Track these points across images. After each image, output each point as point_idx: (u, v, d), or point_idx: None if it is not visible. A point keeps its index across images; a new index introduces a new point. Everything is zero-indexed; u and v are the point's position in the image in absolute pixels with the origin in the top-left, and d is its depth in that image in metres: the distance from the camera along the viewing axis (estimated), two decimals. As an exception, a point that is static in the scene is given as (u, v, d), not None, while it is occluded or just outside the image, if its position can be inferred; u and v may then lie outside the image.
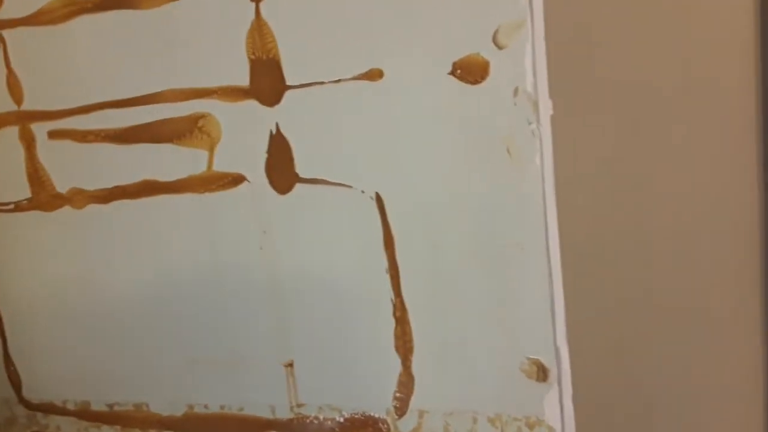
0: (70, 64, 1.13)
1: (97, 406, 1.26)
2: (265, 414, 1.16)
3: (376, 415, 1.10)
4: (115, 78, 1.11)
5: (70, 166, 1.17)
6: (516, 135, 0.93)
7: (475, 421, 1.04)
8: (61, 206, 1.19)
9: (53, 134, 1.17)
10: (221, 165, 1.09)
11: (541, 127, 0.91)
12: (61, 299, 1.23)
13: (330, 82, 1.00)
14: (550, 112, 0.90)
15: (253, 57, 1.03)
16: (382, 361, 1.07)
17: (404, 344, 1.05)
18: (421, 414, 1.07)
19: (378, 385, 1.08)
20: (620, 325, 0.93)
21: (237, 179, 1.08)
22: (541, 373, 0.98)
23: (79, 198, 1.17)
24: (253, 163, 1.07)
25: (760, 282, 0.93)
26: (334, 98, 1.00)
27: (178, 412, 1.21)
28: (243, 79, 1.04)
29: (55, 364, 1.27)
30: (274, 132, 1.05)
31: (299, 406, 1.13)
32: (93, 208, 1.17)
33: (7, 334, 1.29)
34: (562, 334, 0.97)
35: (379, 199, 1.02)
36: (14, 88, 1.17)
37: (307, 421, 1.13)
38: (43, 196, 1.20)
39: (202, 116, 1.08)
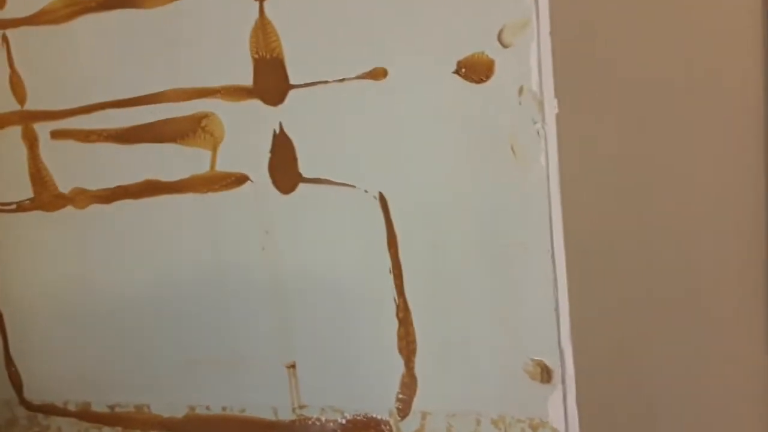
0: (72, 63, 1.13)
1: (98, 408, 1.25)
2: (267, 415, 1.15)
3: (379, 417, 1.09)
4: (117, 78, 1.11)
5: (72, 166, 1.17)
6: (521, 134, 0.93)
7: (478, 422, 1.04)
8: (63, 206, 1.19)
9: (56, 134, 1.17)
10: (224, 165, 1.09)
11: (546, 126, 0.91)
12: (63, 300, 1.23)
13: (334, 81, 1.00)
14: (555, 111, 0.90)
15: (256, 56, 1.03)
16: (384, 362, 1.06)
17: (407, 345, 1.05)
18: (424, 415, 1.07)
19: (381, 387, 1.08)
20: (625, 326, 0.93)
21: (240, 179, 1.08)
22: (545, 374, 0.98)
23: (81, 198, 1.17)
24: (257, 163, 1.07)
25: (765, 283, 0.93)
26: (338, 97, 1.00)
27: (180, 413, 1.21)
28: (246, 79, 1.04)
29: (56, 365, 1.27)
30: (277, 131, 1.04)
31: (301, 407, 1.13)
32: (95, 208, 1.17)
33: (9, 334, 1.29)
34: (566, 335, 0.96)
35: (382, 199, 1.02)
36: (17, 88, 1.17)
37: (310, 422, 1.13)
38: (46, 196, 1.19)
39: (205, 116, 1.08)
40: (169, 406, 1.21)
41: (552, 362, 0.98)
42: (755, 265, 0.93)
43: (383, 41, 0.96)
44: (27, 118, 1.18)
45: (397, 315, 1.04)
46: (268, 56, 1.02)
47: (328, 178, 1.04)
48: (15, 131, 1.19)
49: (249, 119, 1.05)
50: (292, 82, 1.02)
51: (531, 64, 0.90)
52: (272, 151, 1.05)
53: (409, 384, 1.06)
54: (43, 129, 1.17)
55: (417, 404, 1.07)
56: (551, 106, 0.90)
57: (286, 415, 1.14)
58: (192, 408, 1.20)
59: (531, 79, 0.91)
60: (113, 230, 1.17)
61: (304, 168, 1.05)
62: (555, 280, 0.95)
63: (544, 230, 0.94)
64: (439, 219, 1.00)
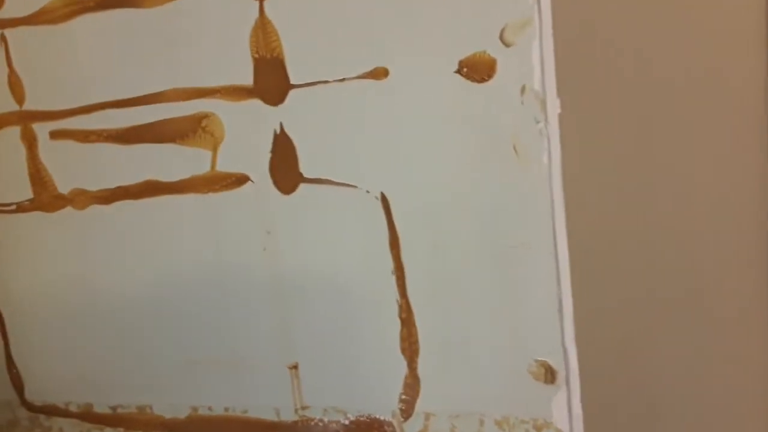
0: (71, 63, 1.13)
1: (100, 409, 1.25)
2: (270, 416, 1.15)
3: (382, 418, 1.09)
4: (117, 77, 1.11)
5: (72, 166, 1.17)
6: (523, 134, 0.92)
7: (481, 423, 1.03)
8: (63, 207, 1.18)
9: (55, 134, 1.16)
10: (225, 165, 1.08)
11: (549, 125, 0.90)
12: (64, 300, 1.23)
13: (335, 81, 0.99)
14: (558, 110, 0.89)
15: (256, 56, 1.02)
16: (387, 363, 1.06)
17: (410, 346, 1.05)
18: (427, 416, 1.06)
19: (383, 388, 1.08)
20: (629, 326, 0.92)
21: (240, 179, 1.07)
22: (549, 374, 0.97)
23: (81, 199, 1.17)
24: (257, 163, 1.06)
25: (770, 282, 0.93)
26: (339, 97, 0.99)
27: (182, 414, 1.20)
28: (247, 79, 1.03)
29: (57, 365, 1.26)
30: (278, 131, 1.04)
31: (304, 408, 1.13)
32: (95, 209, 1.17)
33: (9, 335, 1.29)
34: (570, 336, 0.96)
35: (384, 199, 1.01)
36: (16, 88, 1.17)
37: (312, 423, 1.13)
38: (45, 197, 1.19)
39: (206, 116, 1.07)
40: (171, 406, 1.21)
41: (556, 363, 0.97)
42: (759, 264, 0.93)
43: (384, 41, 0.96)
44: (26, 119, 1.17)
45: (400, 316, 1.04)
46: (268, 56, 1.01)
47: (329, 178, 1.03)
48: (14, 131, 1.18)
49: (249, 119, 1.05)
50: (292, 81, 1.01)
51: (533, 63, 0.89)
52: (273, 151, 1.05)
53: (412, 385, 1.06)
54: (42, 129, 1.17)
55: (420, 405, 1.06)
56: (554, 106, 0.89)
57: (288, 416, 1.14)
58: (194, 409, 1.19)
59: (533, 79, 0.90)
60: (113, 231, 1.17)
61: (305, 168, 1.04)
62: (558, 280, 0.94)
63: (546, 230, 0.94)
64: (442, 219, 0.99)
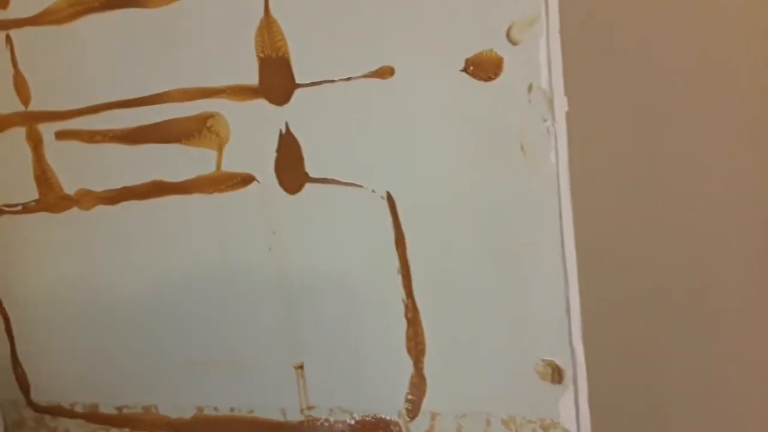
0: (77, 64, 1.13)
1: (106, 409, 1.25)
2: (276, 416, 1.15)
3: (388, 418, 1.09)
4: (122, 78, 1.11)
5: (77, 167, 1.17)
6: (530, 132, 0.92)
7: (488, 423, 1.03)
8: (68, 207, 1.18)
9: (60, 135, 1.16)
10: (230, 165, 1.08)
11: (556, 124, 0.90)
12: (69, 301, 1.23)
13: (340, 80, 0.99)
14: (565, 108, 0.89)
15: (262, 55, 1.02)
16: (393, 363, 1.06)
17: (416, 345, 1.04)
18: (433, 416, 1.06)
19: (389, 387, 1.07)
20: (636, 325, 0.92)
21: (246, 179, 1.07)
22: (556, 374, 0.97)
23: (86, 199, 1.17)
24: (263, 163, 1.06)
25: (778, 281, 0.92)
26: (345, 96, 0.99)
27: (188, 414, 1.20)
28: (252, 78, 1.03)
29: (63, 366, 1.26)
30: (283, 131, 1.04)
31: (310, 408, 1.13)
32: (101, 210, 1.16)
33: (15, 336, 1.29)
34: (577, 335, 0.95)
35: (390, 199, 1.01)
36: (21, 89, 1.17)
37: (318, 423, 1.12)
38: (51, 198, 1.19)
39: (211, 116, 1.07)
40: (176, 407, 1.21)
41: (563, 362, 0.97)
42: (766, 263, 0.93)
43: (390, 39, 0.95)
44: (31, 119, 1.17)
45: (406, 315, 1.04)
46: (273, 55, 1.01)
47: (334, 177, 1.03)
48: (19, 132, 1.18)
49: (255, 119, 1.04)
50: (298, 81, 1.01)
51: (540, 61, 0.89)
52: (278, 150, 1.05)
53: (418, 385, 1.06)
54: (47, 130, 1.17)
55: (426, 405, 1.06)
56: (561, 104, 0.89)
57: (294, 416, 1.14)
58: (200, 409, 1.19)
59: (540, 77, 0.90)
60: (119, 231, 1.16)
61: (311, 168, 1.04)
62: (566, 279, 0.94)
63: (554, 229, 0.93)
64: (448, 218, 0.99)
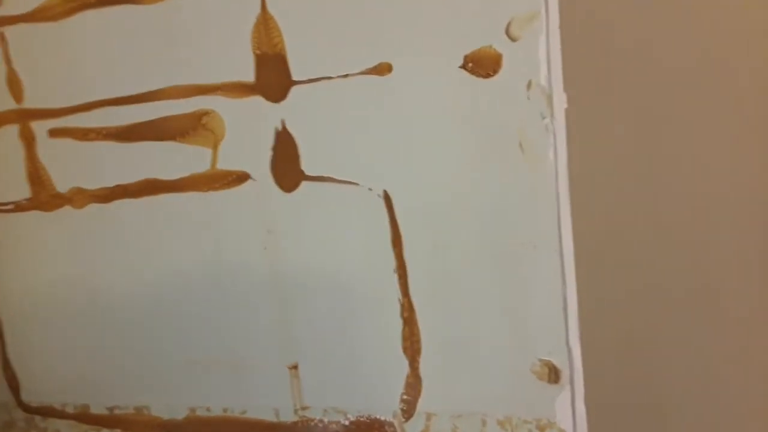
0: (70, 61, 1.12)
1: (97, 410, 1.24)
2: (269, 417, 1.14)
3: (383, 418, 1.08)
4: (116, 75, 1.10)
5: (70, 164, 1.16)
6: (529, 130, 0.91)
7: (484, 423, 1.03)
8: (61, 206, 1.18)
9: (54, 132, 1.16)
10: (225, 163, 1.07)
11: (555, 121, 0.90)
12: (61, 300, 1.22)
13: (337, 77, 0.99)
14: (565, 105, 0.89)
15: (258, 52, 1.01)
16: (388, 363, 1.05)
17: (412, 345, 1.04)
18: (428, 416, 1.06)
19: (384, 387, 1.07)
20: (635, 326, 0.92)
21: (241, 177, 1.07)
22: (553, 374, 0.97)
23: (79, 197, 1.16)
24: (258, 161, 1.05)
25: (777, 281, 0.92)
26: (342, 94, 0.99)
27: (180, 415, 1.19)
28: (248, 75, 1.03)
29: (54, 366, 1.25)
30: (279, 129, 1.03)
31: (304, 408, 1.12)
32: (94, 208, 1.16)
33: (6, 336, 1.28)
34: (574, 335, 0.95)
35: (387, 197, 1.00)
36: (14, 86, 1.16)
37: (312, 423, 1.12)
38: (44, 196, 1.18)
39: (206, 113, 1.06)
40: (169, 407, 1.20)
41: (560, 362, 0.96)
42: (766, 263, 0.93)
43: (388, 36, 0.95)
44: (24, 117, 1.16)
45: (402, 315, 1.03)
46: (270, 52, 1.01)
47: (331, 176, 1.02)
48: (12, 130, 1.18)
49: (251, 116, 1.04)
50: (294, 78, 1.01)
51: (540, 57, 0.89)
52: (274, 148, 1.04)
53: (413, 385, 1.05)
54: (40, 127, 1.16)
55: (422, 405, 1.06)
56: (560, 101, 0.89)
57: (288, 417, 1.13)
58: (192, 409, 1.18)
59: (540, 74, 0.89)
60: (112, 230, 1.16)
61: (307, 166, 1.03)
62: (563, 278, 0.94)
63: (552, 228, 0.93)
64: (445, 217, 0.98)
